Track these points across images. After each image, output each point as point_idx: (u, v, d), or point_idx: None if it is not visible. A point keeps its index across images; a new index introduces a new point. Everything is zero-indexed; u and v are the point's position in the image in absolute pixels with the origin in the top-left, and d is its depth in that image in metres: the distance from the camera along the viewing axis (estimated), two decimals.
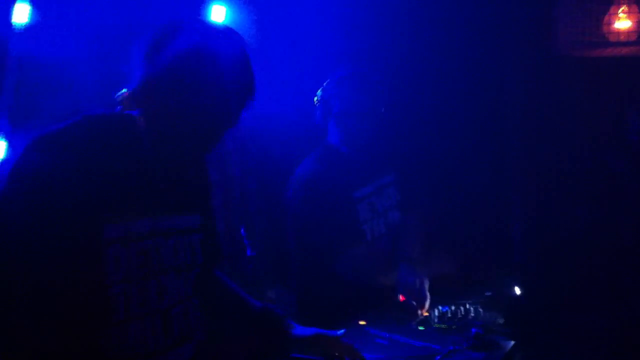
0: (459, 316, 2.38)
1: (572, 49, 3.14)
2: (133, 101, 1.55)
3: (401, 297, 2.56)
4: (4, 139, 2.12)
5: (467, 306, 2.45)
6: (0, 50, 2.15)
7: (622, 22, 3.29)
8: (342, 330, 1.93)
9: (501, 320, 2.39)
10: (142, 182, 1.56)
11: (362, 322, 2.30)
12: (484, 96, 3.35)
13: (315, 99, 2.71)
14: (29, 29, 2.18)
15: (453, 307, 2.43)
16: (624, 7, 3.25)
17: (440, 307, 2.44)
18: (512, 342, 2.14)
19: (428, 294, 2.49)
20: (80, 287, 1.46)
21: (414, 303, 2.48)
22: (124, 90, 1.59)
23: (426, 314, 2.46)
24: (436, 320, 2.39)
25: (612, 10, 3.27)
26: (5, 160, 2.11)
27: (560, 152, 3.28)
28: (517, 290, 2.53)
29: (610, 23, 3.27)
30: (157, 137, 1.55)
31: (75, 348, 1.45)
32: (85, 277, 1.47)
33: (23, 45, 2.18)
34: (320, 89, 2.69)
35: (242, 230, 2.54)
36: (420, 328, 2.34)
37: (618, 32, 3.26)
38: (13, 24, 2.16)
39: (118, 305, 1.50)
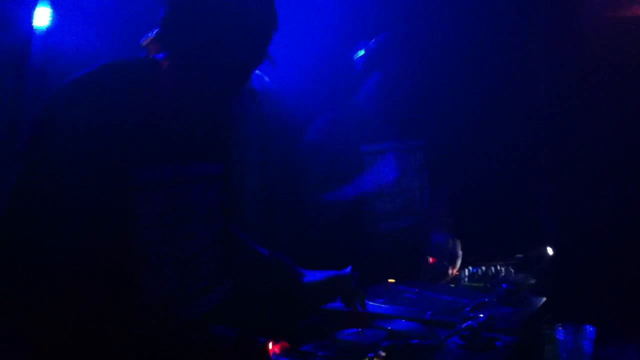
0: (489, 275, 2.36)
1: (601, 8, 3.07)
2: (158, 43, 1.55)
3: (430, 259, 2.55)
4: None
5: (498, 267, 2.43)
6: (22, 54, 2.15)
7: None
8: (349, 268, 1.92)
9: (532, 281, 2.36)
10: (168, 129, 1.55)
11: (391, 280, 2.29)
12: (514, 64, 3.29)
13: (361, 52, 2.71)
14: (49, 30, 2.16)
15: (484, 268, 2.41)
16: None
17: (470, 268, 2.42)
18: (544, 299, 2.11)
19: (460, 253, 2.48)
20: (114, 234, 1.46)
21: (445, 263, 2.47)
22: (149, 34, 1.59)
23: (456, 273, 2.44)
24: (466, 279, 2.37)
25: None
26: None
27: (591, 120, 3.19)
28: (550, 251, 2.49)
29: None
30: (182, 79, 1.53)
31: (111, 294, 1.44)
32: (117, 222, 1.46)
33: (44, 45, 2.17)
34: (368, 44, 2.70)
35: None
36: (451, 286, 2.33)
37: None
38: (34, 27, 2.14)
39: (150, 252, 1.50)
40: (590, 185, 3.04)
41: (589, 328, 1.88)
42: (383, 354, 1.55)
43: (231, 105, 1.80)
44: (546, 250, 2.51)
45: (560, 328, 1.89)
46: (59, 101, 1.46)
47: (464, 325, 1.72)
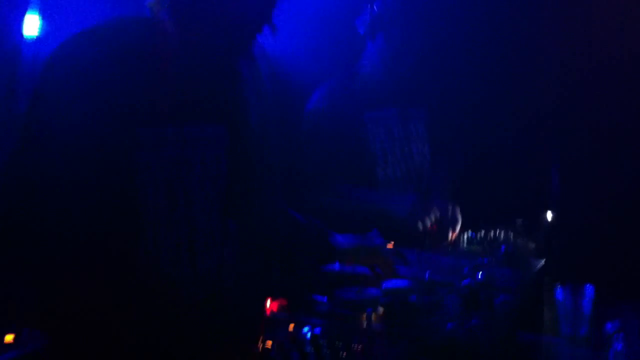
0: (489, 239, 2.36)
1: None
2: (162, 4, 1.54)
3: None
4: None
5: (498, 231, 2.42)
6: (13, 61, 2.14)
7: None
8: (379, 238, 1.93)
9: (532, 245, 2.36)
10: (171, 89, 1.55)
11: (390, 245, 2.29)
12: (524, 29, 3.25)
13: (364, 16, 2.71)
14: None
15: (483, 232, 2.41)
16: None
17: (469, 232, 2.42)
18: (543, 260, 2.11)
19: (459, 218, 2.48)
20: (114, 190, 1.45)
21: (444, 228, 2.47)
22: None
23: (454, 236, 2.44)
24: (465, 243, 2.36)
25: None
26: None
27: (605, 83, 3.14)
28: (549, 215, 2.48)
29: None
30: (185, 41, 1.53)
31: (110, 259, 1.43)
32: (118, 179, 1.46)
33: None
34: (372, 7, 2.69)
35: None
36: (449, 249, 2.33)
37: None
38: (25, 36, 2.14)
39: (148, 211, 1.49)
40: (601, 150, 3.00)
41: (588, 288, 1.88)
42: (381, 310, 1.55)
43: (234, 68, 1.79)
44: (547, 214, 2.50)
45: (559, 288, 1.89)
46: (64, 53, 1.46)
47: (462, 284, 1.72)
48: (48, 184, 1.38)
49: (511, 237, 2.38)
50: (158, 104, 1.51)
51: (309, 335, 1.35)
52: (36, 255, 1.39)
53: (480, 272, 1.85)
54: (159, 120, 1.51)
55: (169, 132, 1.53)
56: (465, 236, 2.39)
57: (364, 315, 1.51)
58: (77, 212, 1.40)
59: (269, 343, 1.28)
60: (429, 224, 2.51)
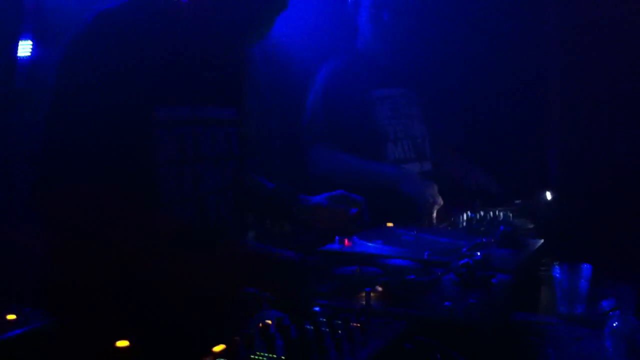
0: (487, 220, 2.37)
1: None
2: None
3: None
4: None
5: (497, 212, 2.43)
6: None
7: None
8: (354, 210, 1.92)
9: (531, 225, 2.37)
10: (186, 69, 1.58)
11: (389, 224, 2.30)
12: (522, 16, 3.24)
13: None
14: None
15: (482, 213, 2.42)
16: None
17: (468, 213, 2.43)
18: (541, 241, 2.12)
19: (459, 198, 2.49)
20: (129, 167, 1.48)
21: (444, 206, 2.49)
22: None
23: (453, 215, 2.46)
24: (464, 224, 2.37)
25: None
26: None
27: (605, 65, 3.12)
28: (548, 196, 2.49)
29: None
30: (203, 21, 1.54)
31: (124, 226, 1.44)
32: (133, 157, 1.49)
33: None
34: None
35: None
36: (448, 229, 2.34)
37: None
38: None
39: (161, 188, 1.52)
40: (600, 132, 2.99)
41: (586, 267, 1.89)
42: (379, 288, 1.56)
43: (250, 51, 1.81)
44: (545, 195, 2.51)
45: (556, 266, 1.90)
46: (86, 33, 1.47)
47: (460, 263, 1.73)
48: (73, 151, 1.42)
49: (510, 217, 2.40)
50: (173, 84, 1.55)
51: (308, 313, 1.36)
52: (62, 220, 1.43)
53: (479, 252, 1.86)
54: (172, 100, 1.55)
55: (180, 112, 1.57)
56: (464, 216, 2.40)
57: (363, 294, 1.52)
58: (98, 182, 1.43)
59: (269, 321, 1.29)
60: (429, 203, 2.52)
